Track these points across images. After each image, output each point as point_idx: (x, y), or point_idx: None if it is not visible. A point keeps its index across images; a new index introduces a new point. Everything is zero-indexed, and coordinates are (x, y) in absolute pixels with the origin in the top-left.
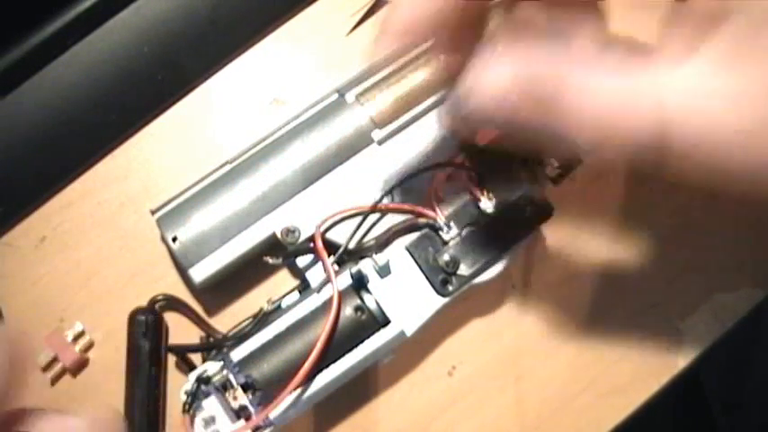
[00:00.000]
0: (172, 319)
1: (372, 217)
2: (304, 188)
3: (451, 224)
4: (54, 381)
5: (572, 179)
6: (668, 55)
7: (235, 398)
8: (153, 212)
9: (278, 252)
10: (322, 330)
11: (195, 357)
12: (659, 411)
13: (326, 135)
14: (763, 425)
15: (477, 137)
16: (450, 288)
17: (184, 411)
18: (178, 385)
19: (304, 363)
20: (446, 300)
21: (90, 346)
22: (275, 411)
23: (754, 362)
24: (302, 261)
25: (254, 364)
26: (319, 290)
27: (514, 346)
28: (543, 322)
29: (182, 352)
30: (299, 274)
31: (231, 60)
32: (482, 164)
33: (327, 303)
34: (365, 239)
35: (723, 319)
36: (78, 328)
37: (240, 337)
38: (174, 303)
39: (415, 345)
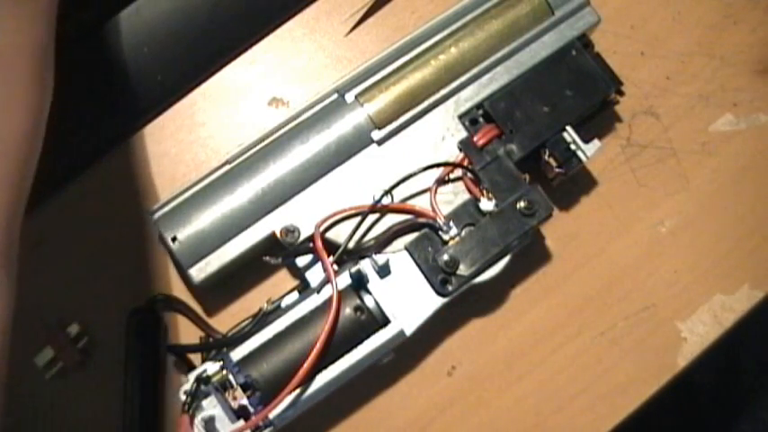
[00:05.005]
0: (172, 319)
1: (372, 217)
2: (303, 188)
3: (451, 224)
4: (53, 380)
5: (572, 179)
6: None
7: (234, 398)
8: (152, 212)
9: (278, 252)
10: (321, 330)
11: (195, 357)
12: (659, 411)
13: (326, 135)
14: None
15: (476, 136)
16: (450, 288)
17: (184, 411)
18: (178, 385)
19: (304, 363)
20: (446, 299)
21: (89, 346)
22: (275, 411)
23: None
24: (302, 261)
25: (254, 364)
26: (319, 290)
27: (514, 346)
28: (543, 322)
29: (181, 352)
30: (298, 274)
31: (231, 60)
32: (482, 164)
33: (327, 303)
34: (365, 239)
35: (722, 320)
36: (78, 328)
37: (240, 337)
38: (173, 303)
39: (414, 345)
